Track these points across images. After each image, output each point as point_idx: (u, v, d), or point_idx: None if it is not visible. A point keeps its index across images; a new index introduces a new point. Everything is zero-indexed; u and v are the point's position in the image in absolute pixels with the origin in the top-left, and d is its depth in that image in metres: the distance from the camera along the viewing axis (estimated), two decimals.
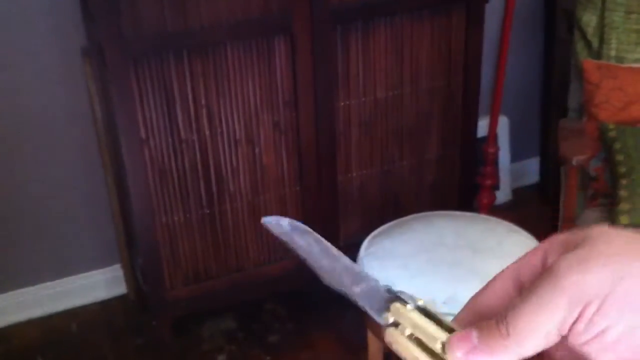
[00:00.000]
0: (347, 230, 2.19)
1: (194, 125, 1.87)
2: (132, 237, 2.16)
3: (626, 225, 1.84)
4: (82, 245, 2.25)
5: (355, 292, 0.40)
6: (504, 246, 1.73)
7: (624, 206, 1.85)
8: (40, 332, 2.22)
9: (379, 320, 0.39)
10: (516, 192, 2.79)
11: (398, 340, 0.38)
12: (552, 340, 0.34)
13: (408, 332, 0.38)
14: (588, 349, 0.33)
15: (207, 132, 1.89)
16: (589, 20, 2.13)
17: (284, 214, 2.06)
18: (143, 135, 1.82)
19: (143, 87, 1.78)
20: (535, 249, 0.38)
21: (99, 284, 2.30)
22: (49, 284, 2.25)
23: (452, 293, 1.58)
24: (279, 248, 2.08)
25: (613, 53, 2.10)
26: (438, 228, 1.80)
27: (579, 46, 2.18)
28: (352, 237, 2.13)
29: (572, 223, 1.99)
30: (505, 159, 2.69)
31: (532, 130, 2.78)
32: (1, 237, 2.13)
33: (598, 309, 0.32)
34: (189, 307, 2.08)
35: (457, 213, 1.94)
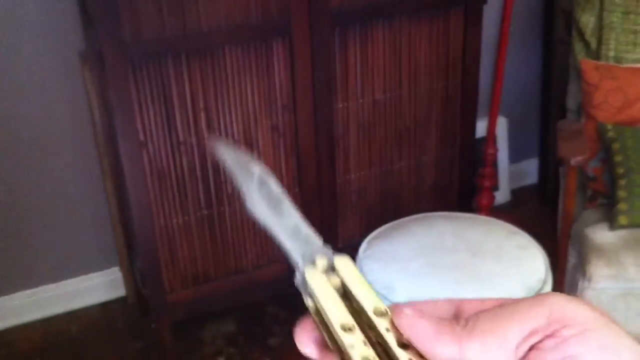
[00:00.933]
0: (346, 232, 2.19)
1: (192, 128, 1.87)
2: (131, 240, 2.16)
3: (625, 225, 1.84)
4: (82, 248, 2.25)
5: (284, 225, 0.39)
6: (503, 248, 1.73)
7: (622, 206, 1.86)
8: (40, 335, 2.22)
9: (300, 260, 0.37)
10: (515, 192, 2.79)
11: (321, 281, 0.36)
12: (502, 351, 0.31)
13: (337, 282, 0.36)
14: None
15: (206, 135, 1.89)
16: (587, 20, 2.13)
17: None
18: (142, 138, 1.82)
19: (142, 91, 1.78)
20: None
21: (98, 287, 2.30)
22: (48, 286, 2.25)
23: (451, 295, 1.58)
24: (279, 250, 2.08)
25: (612, 53, 2.10)
26: (437, 230, 1.80)
27: (578, 47, 2.18)
28: (351, 239, 2.13)
29: (571, 223, 1.99)
30: (504, 160, 2.69)
31: (531, 131, 2.79)
32: (1, 240, 2.13)
33: (578, 334, 0.30)
34: (189, 310, 2.08)
35: (456, 214, 1.94)
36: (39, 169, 2.10)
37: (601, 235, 1.85)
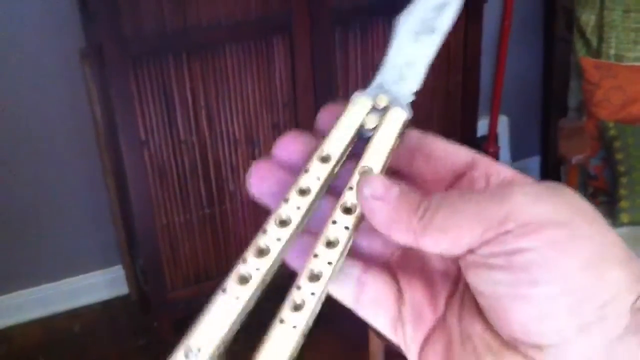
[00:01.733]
0: None
1: (193, 126, 1.87)
2: (133, 238, 2.17)
3: (626, 223, 1.84)
4: (83, 247, 2.25)
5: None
6: None
7: (623, 204, 1.86)
8: (42, 332, 2.22)
9: (373, 82, 0.37)
10: None
11: (355, 111, 0.35)
12: (454, 250, 0.30)
13: (373, 123, 0.35)
14: (489, 262, 0.29)
15: (207, 133, 1.89)
16: (588, 19, 2.13)
17: None
18: (142, 136, 1.82)
19: (142, 88, 1.78)
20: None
21: (100, 285, 2.31)
22: (50, 284, 2.25)
23: None
24: None
25: (612, 52, 2.10)
26: None
27: (578, 45, 2.18)
28: None
29: None
30: (505, 159, 2.69)
31: (532, 130, 2.78)
32: (2, 238, 2.13)
33: (531, 231, 0.28)
34: (190, 307, 2.08)
35: None
36: (40, 166, 2.10)
37: None
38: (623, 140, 1.97)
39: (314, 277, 0.32)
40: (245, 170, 1.98)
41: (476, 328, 0.31)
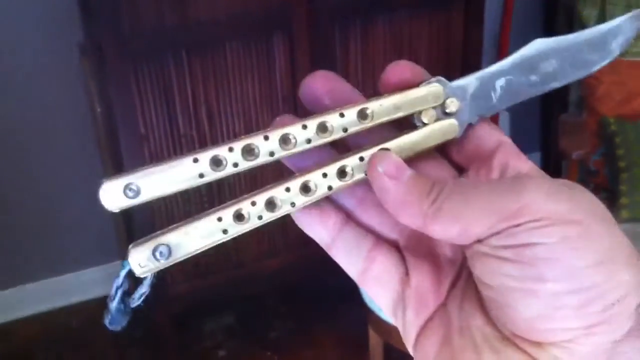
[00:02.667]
0: None
1: (193, 121, 1.87)
2: (132, 233, 2.16)
3: (627, 219, 1.84)
4: (81, 242, 2.25)
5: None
6: None
7: (624, 200, 1.85)
8: (40, 328, 2.22)
9: (461, 80, 0.36)
10: None
11: (419, 94, 0.34)
12: (462, 239, 0.29)
13: (426, 120, 0.33)
14: (498, 254, 0.28)
15: (207, 128, 1.89)
16: (590, 14, 2.12)
17: None
18: (142, 131, 1.82)
19: (142, 83, 1.77)
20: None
21: (98, 281, 2.30)
22: (48, 280, 2.25)
23: None
24: (279, 241, 2.08)
25: None
26: None
27: None
28: None
29: None
30: None
31: (532, 125, 2.78)
32: (1, 235, 2.13)
33: (543, 226, 0.27)
34: (189, 303, 2.08)
35: None
36: (39, 162, 2.09)
37: None
38: (624, 136, 1.96)
39: (272, 206, 0.32)
40: None
41: (476, 320, 0.30)
